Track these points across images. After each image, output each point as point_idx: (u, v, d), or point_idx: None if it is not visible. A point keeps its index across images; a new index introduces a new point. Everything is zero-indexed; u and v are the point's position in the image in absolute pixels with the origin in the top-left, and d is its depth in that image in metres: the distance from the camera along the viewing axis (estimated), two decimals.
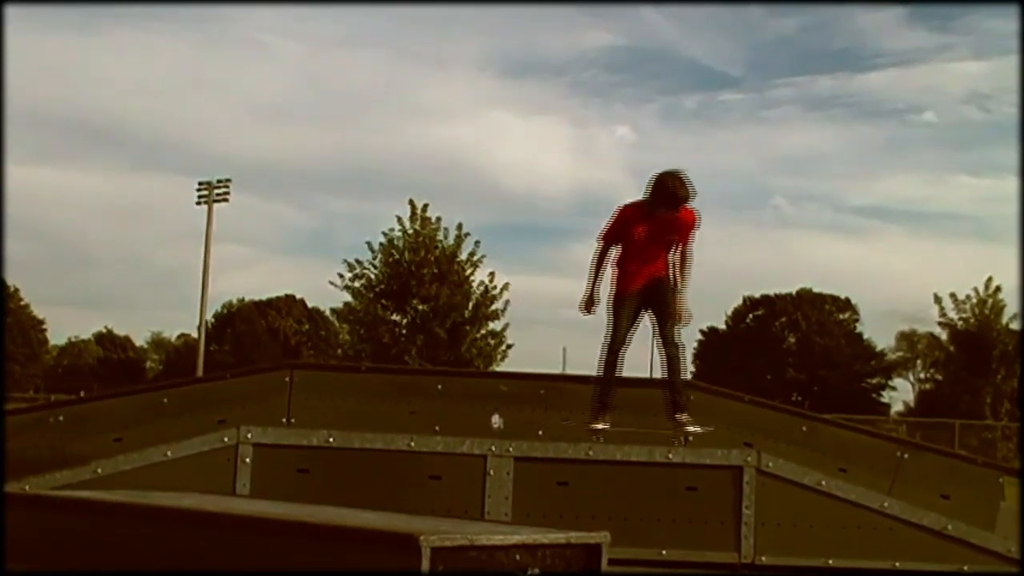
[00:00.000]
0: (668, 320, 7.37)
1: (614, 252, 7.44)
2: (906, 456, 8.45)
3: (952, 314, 49.12)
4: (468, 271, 35.19)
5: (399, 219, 35.08)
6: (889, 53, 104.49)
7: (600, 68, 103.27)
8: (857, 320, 67.74)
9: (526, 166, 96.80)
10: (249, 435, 8.19)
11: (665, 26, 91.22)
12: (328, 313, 50.06)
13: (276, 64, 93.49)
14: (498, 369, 31.58)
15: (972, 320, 48.60)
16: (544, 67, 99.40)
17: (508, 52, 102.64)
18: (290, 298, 72.75)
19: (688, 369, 7.58)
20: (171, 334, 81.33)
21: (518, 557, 4.43)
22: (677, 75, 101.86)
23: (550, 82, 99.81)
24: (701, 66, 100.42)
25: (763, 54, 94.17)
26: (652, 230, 7.24)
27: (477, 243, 35.43)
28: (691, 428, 7.45)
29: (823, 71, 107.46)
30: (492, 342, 35.14)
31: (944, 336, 50.79)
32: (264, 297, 72.97)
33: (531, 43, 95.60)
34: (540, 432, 8.29)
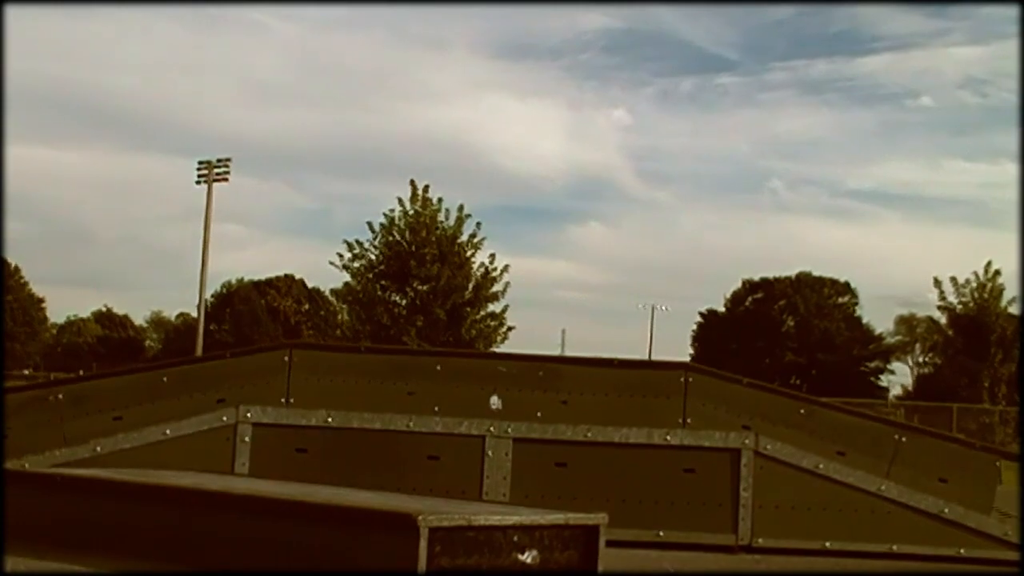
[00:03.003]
0: None
1: None
2: (904, 440, 8.46)
3: (952, 298, 49.11)
4: (469, 253, 35.15)
5: (400, 200, 35.05)
6: (886, 37, 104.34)
7: (597, 51, 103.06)
8: (856, 304, 67.82)
9: (523, 148, 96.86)
10: (248, 415, 8.20)
11: (662, 9, 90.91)
12: (328, 293, 50.08)
13: (275, 45, 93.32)
14: (498, 351, 31.57)
15: (971, 304, 48.54)
16: (541, 49, 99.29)
17: (505, 34, 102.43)
18: (289, 278, 72.76)
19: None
20: (170, 313, 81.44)
21: (516, 538, 4.43)
22: (674, 58, 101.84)
23: (547, 64, 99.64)
24: (697, 49, 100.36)
25: (759, 37, 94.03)
26: None
27: (478, 225, 35.39)
28: None
29: (819, 55, 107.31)
30: (492, 324, 35.13)
31: (943, 320, 50.75)
32: (263, 277, 73.05)
33: (528, 25, 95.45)
34: (539, 413, 8.30)
